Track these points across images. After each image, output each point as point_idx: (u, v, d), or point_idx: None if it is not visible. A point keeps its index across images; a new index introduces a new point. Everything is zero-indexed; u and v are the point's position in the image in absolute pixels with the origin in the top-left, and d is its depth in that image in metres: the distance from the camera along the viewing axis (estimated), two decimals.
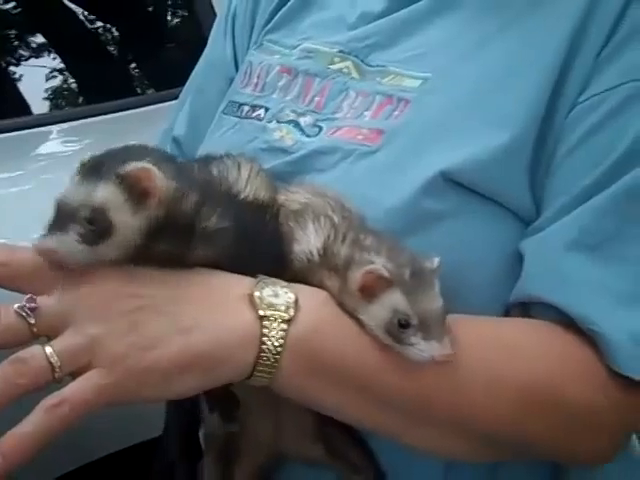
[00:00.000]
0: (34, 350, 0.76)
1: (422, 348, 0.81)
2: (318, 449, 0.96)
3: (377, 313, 0.82)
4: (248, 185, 0.89)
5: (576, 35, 0.93)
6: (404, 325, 0.81)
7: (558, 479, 1.01)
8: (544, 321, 0.91)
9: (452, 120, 0.95)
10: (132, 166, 0.78)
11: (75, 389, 0.76)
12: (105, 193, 0.77)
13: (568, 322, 0.88)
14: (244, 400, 0.93)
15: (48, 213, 1.48)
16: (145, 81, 2.38)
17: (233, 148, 1.02)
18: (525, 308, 0.93)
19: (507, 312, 0.94)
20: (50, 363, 0.75)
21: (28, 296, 0.78)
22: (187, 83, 1.24)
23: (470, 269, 0.91)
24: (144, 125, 1.89)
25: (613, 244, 0.89)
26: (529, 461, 0.98)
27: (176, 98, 1.27)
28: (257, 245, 0.86)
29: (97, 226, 0.77)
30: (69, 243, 0.77)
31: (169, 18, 2.51)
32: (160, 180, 0.78)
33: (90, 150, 1.90)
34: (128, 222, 0.78)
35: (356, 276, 0.82)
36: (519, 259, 0.92)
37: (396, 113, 0.98)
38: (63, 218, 0.77)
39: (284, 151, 1.02)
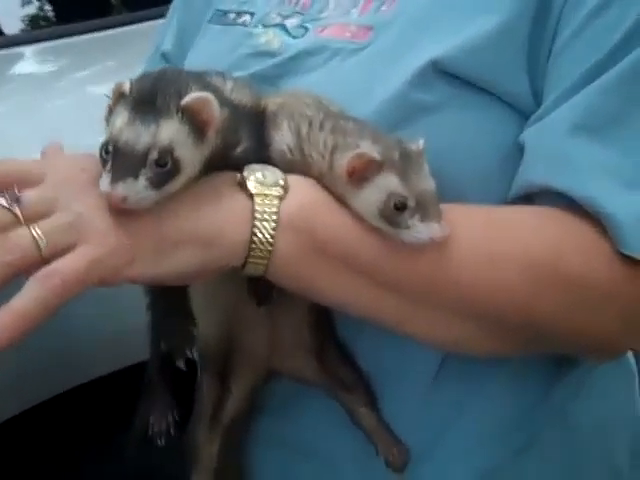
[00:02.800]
0: (20, 229, 0.75)
1: (420, 229, 0.79)
2: (311, 365, 0.97)
3: (370, 197, 0.80)
4: (233, 93, 0.88)
5: None
6: (400, 207, 0.79)
7: (555, 382, 1.01)
8: (546, 207, 0.89)
9: (441, 10, 0.93)
10: (192, 98, 0.76)
11: (65, 260, 0.74)
12: (171, 131, 0.75)
13: (574, 209, 0.87)
14: (240, 311, 0.93)
15: (23, 134, 1.47)
16: (121, 1, 2.33)
17: (218, 55, 1.03)
18: (528, 202, 0.91)
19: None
20: (35, 240, 0.74)
21: (11, 190, 0.77)
22: None
23: (463, 161, 0.89)
24: (120, 46, 1.86)
25: (618, 126, 0.86)
26: (529, 361, 0.96)
27: (152, 18, 1.26)
28: (262, 153, 0.86)
29: (166, 167, 0.75)
30: (140, 189, 0.74)
31: None
32: (217, 109, 0.77)
33: (65, 71, 1.86)
34: (193, 157, 0.77)
35: (343, 161, 0.80)
36: (516, 153, 0.91)
37: (384, 8, 0.96)
38: (129, 162, 0.74)
39: (270, 54, 1.00)
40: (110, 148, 0.75)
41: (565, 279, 0.86)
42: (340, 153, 0.81)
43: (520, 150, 0.91)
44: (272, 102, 0.91)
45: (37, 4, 2.11)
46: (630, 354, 1.09)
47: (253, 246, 0.80)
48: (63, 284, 0.73)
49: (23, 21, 2.06)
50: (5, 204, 0.75)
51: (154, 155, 0.75)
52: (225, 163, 0.82)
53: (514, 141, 0.91)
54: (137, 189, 0.74)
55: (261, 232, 0.79)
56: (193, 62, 1.07)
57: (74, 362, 1.31)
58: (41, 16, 2.12)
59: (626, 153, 0.86)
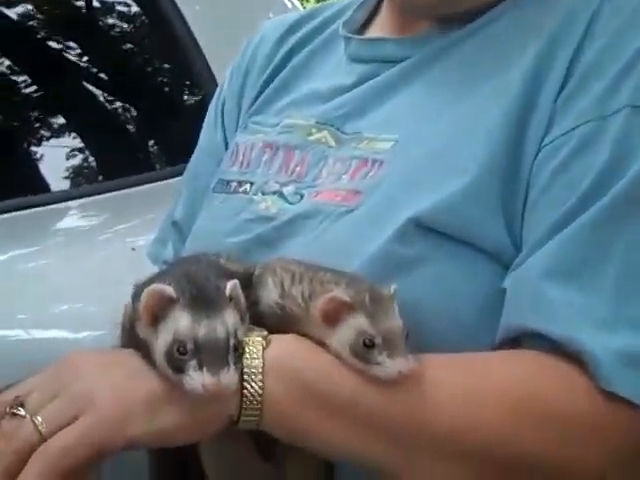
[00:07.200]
0: (22, 420, 0.83)
1: (388, 365, 0.86)
2: None
3: (343, 336, 0.88)
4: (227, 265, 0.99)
5: (531, 88, 1.01)
6: (369, 345, 0.86)
7: None
8: (526, 350, 0.95)
9: (420, 174, 1.03)
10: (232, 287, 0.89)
11: (57, 435, 0.81)
12: (233, 317, 0.88)
13: (554, 350, 0.92)
14: None
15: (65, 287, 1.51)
16: (162, 156, 2.44)
17: (222, 221, 1.15)
18: (514, 347, 0.96)
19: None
20: (35, 425, 0.81)
21: (12, 398, 0.85)
22: (185, 171, 1.36)
23: (446, 312, 0.96)
24: (160, 199, 1.94)
25: (590, 270, 0.93)
26: None
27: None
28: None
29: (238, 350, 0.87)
30: (235, 375, 0.85)
31: (185, 97, 2.58)
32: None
33: (108, 225, 1.93)
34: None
35: (318, 304, 0.88)
36: (500, 301, 0.97)
37: (371, 174, 1.06)
38: (219, 354, 0.84)
39: (269, 219, 1.10)
40: (190, 346, 0.83)
41: (545, 413, 0.91)
42: (316, 298, 0.90)
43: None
44: (258, 267, 1.00)
45: (81, 157, 2.22)
46: None
47: (244, 398, 0.87)
48: (52, 457, 0.80)
49: (67, 170, 2.16)
50: (15, 411, 0.84)
51: (233, 342, 0.85)
52: None
53: (498, 291, 0.98)
54: (234, 376, 0.84)
55: (249, 383, 0.87)
56: (200, 227, 1.20)
57: None
58: (84, 166, 2.23)
59: (599, 295, 0.93)
